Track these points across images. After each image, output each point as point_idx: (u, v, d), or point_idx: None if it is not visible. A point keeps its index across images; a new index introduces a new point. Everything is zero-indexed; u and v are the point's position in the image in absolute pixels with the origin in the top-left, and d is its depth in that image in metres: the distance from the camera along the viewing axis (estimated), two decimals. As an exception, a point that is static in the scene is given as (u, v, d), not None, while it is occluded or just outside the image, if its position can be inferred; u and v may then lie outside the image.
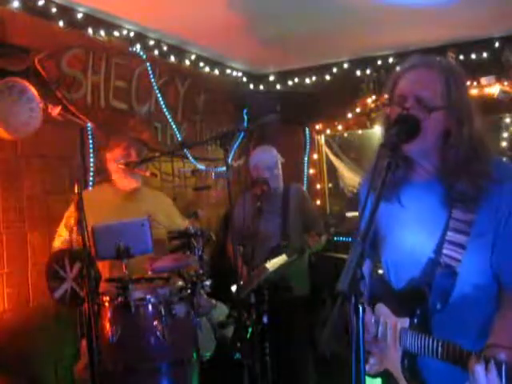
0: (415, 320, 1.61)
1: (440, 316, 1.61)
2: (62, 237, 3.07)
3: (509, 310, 1.56)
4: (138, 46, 4.06)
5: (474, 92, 4.48)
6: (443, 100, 1.62)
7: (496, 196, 1.58)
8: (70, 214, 3.03)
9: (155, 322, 2.58)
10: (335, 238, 4.62)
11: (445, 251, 1.62)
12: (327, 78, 5.29)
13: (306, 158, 5.46)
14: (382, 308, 1.74)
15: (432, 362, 1.54)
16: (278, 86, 5.51)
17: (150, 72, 4.19)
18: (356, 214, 2.07)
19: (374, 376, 1.77)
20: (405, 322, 1.63)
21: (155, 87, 4.24)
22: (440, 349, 1.48)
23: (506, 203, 1.57)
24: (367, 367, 1.77)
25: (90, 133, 3.59)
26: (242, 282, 3.20)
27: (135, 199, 3.26)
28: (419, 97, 1.62)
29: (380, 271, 1.86)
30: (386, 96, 1.78)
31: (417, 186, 1.71)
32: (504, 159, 4.35)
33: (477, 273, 1.61)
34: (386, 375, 1.72)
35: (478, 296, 1.62)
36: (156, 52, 4.28)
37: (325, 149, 5.47)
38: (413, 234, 1.70)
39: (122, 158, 3.19)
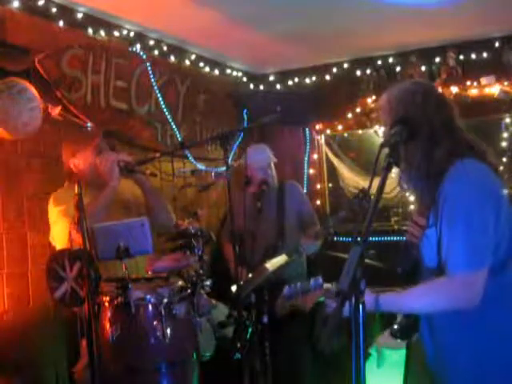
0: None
1: None
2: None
3: (422, 284, 1.74)
4: (138, 46, 4.06)
5: (474, 92, 4.48)
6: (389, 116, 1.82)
7: (443, 190, 1.69)
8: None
9: (155, 322, 2.58)
10: (335, 238, 4.62)
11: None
12: (327, 77, 5.29)
13: (306, 158, 5.46)
14: None
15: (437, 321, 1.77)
16: (278, 86, 5.51)
17: (150, 72, 4.19)
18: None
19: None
20: None
21: (155, 87, 4.24)
22: None
23: (444, 192, 1.69)
24: None
25: (89, 133, 3.59)
26: (242, 282, 3.20)
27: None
28: None
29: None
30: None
31: None
32: (504, 159, 4.38)
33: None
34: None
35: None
36: (156, 52, 4.29)
37: (325, 149, 5.47)
38: None
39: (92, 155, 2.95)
